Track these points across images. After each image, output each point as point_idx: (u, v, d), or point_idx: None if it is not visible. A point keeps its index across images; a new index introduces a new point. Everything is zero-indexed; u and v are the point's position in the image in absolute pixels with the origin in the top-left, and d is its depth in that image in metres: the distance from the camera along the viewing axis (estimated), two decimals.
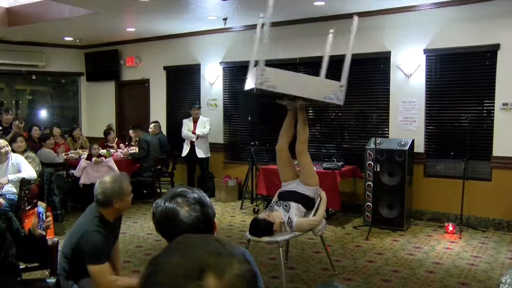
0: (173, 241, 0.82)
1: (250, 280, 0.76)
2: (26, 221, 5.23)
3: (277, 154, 4.50)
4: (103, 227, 2.85)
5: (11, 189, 5.35)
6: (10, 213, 2.89)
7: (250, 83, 3.91)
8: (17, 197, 5.38)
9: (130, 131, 8.68)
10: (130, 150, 8.23)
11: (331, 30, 4.40)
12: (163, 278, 0.73)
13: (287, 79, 3.85)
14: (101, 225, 2.85)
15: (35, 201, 6.05)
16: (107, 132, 8.90)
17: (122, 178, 2.99)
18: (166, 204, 1.58)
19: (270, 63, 4.23)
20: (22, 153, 5.97)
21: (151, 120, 9.68)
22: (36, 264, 3.13)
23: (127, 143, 8.92)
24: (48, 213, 2.62)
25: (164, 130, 9.30)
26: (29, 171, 5.47)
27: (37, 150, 7.09)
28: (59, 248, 3.06)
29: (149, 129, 8.40)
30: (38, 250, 2.67)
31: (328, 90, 3.75)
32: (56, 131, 8.40)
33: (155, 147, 7.99)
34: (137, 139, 8.28)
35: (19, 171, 5.42)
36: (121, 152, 8.18)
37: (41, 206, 2.59)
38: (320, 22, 7.19)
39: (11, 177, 5.30)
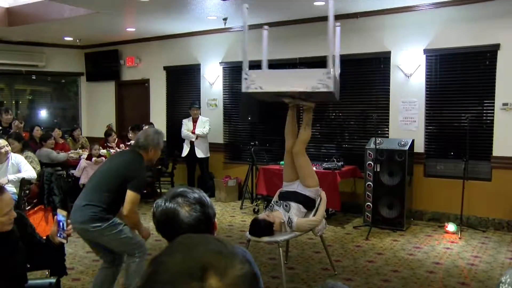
0: (175, 241, 0.82)
1: (251, 280, 0.76)
2: None
3: (286, 153, 4.49)
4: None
5: (11, 189, 5.34)
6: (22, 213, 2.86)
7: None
8: (17, 197, 5.38)
9: (130, 134, 8.62)
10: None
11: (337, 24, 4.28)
12: (165, 277, 0.72)
13: (270, 77, 3.86)
14: (144, 165, 3.51)
15: (35, 201, 6.06)
16: (108, 133, 8.90)
17: (161, 134, 3.65)
18: (167, 204, 1.58)
19: (270, 64, 4.24)
20: (18, 153, 5.97)
21: (150, 120, 9.68)
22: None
23: (127, 143, 8.91)
24: (69, 221, 2.56)
25: (164, 130, 9.30)
26: (29, 171, 5.47)
27: (37, 150, 7.10)
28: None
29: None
30: (53, 258, 2.64)
31: (314, 81, 3.71)
32: (57, 132, 8.41)
33: None
34: None
35: (19, 171, 5.42)
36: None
37: (61, 214, 2.52)
38: (320, 22, 7.18)
39: (11, 177, 5.30)
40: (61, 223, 2.51)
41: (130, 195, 3.33)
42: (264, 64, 4.18)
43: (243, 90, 3.79)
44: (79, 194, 3.56)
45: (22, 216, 2.65)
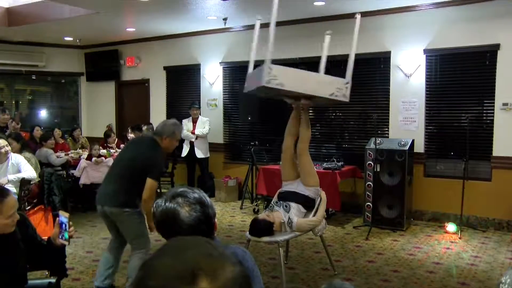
0: (165, 244, 0.81)
1: (242, 282, 0.75)
2: None
3: (282, 152, 4.49)
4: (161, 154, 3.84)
5: (11, 189, 5.33)
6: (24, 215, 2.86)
7: (254, 82, 3.91)
8: (17, 197, 5.37)
9: (129, 134, 8.57)
10: None
11: (328, 32, 4.45)
12: (155, 282, 0.71)
13: (293, 76, 3.83)
14: (161, 152, 3.80)
15: (35, 201, 6.06)
16: (107, 134, 8.91)
17: (178, 126, 3.92)
18: (167, 204, 1.58)
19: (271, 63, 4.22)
20: (17, 153, 5.96)
21: (150, 120, 9.68)
22: None
23: (126, 143, 8.90)
24: (71, 222, 2.54)
25: None
26: (29, 171, 5.47)
27: (37, 150, 7.11)
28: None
29: (142, 134, 8.35)
30: (54, 260, 2.64)
31: (333, 88, 3.76)
32: (57, 132, 8.43)
33: None
34: None
35: (19, 171, 5.42)
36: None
37: (64, 216, 2.51)
38: (320, 22, 7.19)
39: (11, 177, 5.29)
40: (63, 225, 2.50)
41: (149, 182, 3.66)
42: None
43: (264, 82, 3.64)
44: (105, 179, 3.95)
45: (24, 218, 2.65)
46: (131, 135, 8.45)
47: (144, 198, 3.69)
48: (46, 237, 2.63)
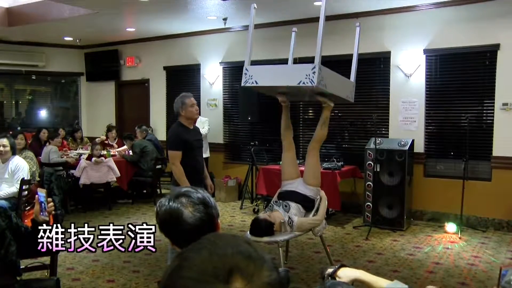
0: (204, 237, 0.79)
1: None
2: (25, 221, 5.19)
3: (286, 151, 4.50)
4: (182, 129, 4.25)
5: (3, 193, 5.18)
6: (9, 209, 2.90)
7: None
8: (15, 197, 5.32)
9: (124, 144, 8.52)
10: (130, 152, 8.16)
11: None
12: (189, 273, 0.70)
13: (266, 72, 4.01)
14: (181, 127, 4.26)
15: (34, 201, 6.04)
16: (109, 129, 8.97)
17: (183, 96, 4.30)
18: (170, 203, 1.57)
19: (270, 63, 4.25)
20: (20, 150, 5.96)
21: (150, 120, 9.70)
22: (37, 264, 3.14)
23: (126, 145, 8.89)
24: (49, 199, 2.62)
25: (164, 130, 9.31)
26: (12, 188, 5.16)
27: (40, 150, 7.18)
28: None
29: (137, 135, 8.34)
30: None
31: (302, 75, 3.73)
32: (62, 132, 8.47)
33: (151, 148, 7.98)
34: (131, 145, 8.18)
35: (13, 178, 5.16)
36: (116, 152, 8.14)
37: (42, 193, 2.60)
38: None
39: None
40: (42, 203, 2.57)
41: (169, 153, 4.28)
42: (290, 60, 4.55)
43: (242, 84, 3.97)
44: None
45: (5, 209, 2.73)
46: (126, 145, 8.32)
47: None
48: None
